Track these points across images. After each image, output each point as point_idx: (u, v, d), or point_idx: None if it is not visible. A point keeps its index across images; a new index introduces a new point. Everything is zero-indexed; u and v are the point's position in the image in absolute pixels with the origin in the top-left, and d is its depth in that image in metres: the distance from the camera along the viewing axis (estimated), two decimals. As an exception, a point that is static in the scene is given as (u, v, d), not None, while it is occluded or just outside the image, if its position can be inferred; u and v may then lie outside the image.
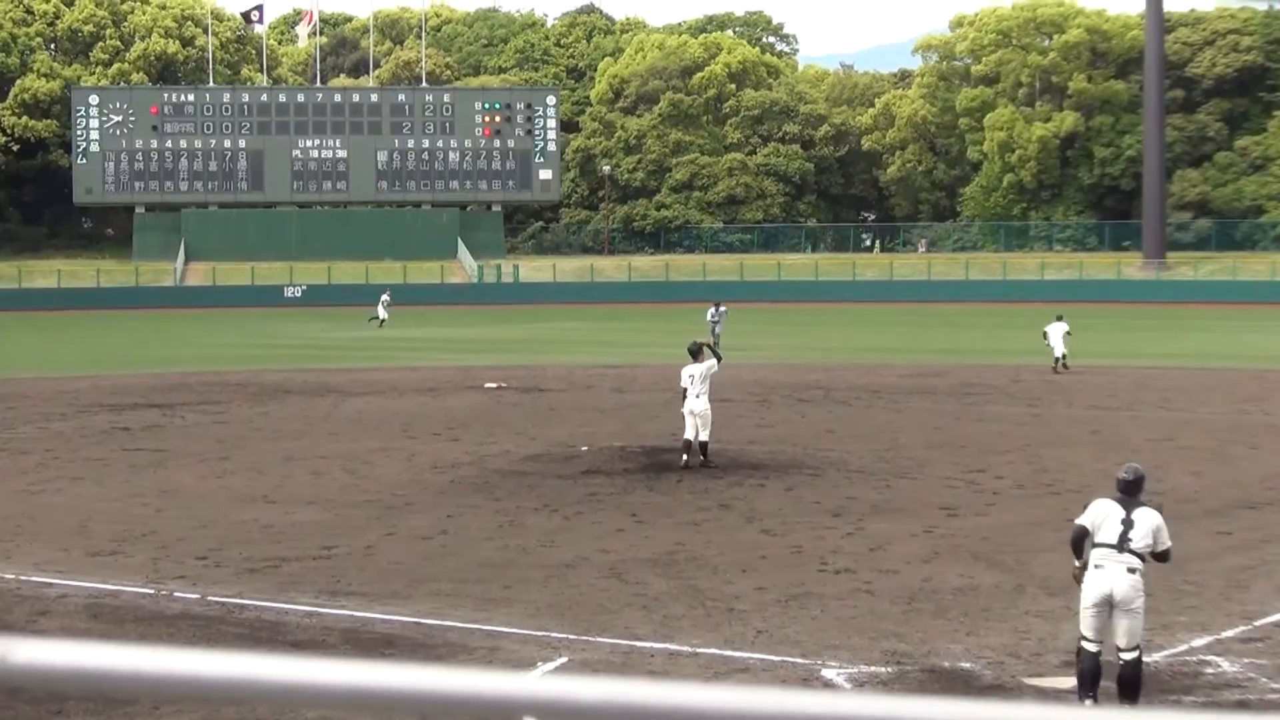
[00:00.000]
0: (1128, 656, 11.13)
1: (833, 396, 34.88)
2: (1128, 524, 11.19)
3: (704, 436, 23.61)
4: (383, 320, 66.18)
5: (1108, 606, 11.10)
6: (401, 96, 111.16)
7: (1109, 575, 11.10)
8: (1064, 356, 41.37)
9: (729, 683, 11.97)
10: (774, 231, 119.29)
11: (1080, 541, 11.49)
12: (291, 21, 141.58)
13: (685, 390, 23.86)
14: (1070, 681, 12.08)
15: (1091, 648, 11.14)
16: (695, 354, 24.13)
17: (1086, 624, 11.17)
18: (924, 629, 13.69)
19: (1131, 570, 11.12)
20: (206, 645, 13.21)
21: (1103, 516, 11.30)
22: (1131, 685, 11.12)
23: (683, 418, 23.96)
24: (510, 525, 18.91)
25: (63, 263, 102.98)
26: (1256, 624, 13.91)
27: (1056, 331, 41.92)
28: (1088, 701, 11.13)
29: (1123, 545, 11.13)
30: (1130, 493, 11.48)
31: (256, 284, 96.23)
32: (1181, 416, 30.83)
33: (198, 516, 19.66)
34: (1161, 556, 11.39)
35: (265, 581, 15.79)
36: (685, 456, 23.61)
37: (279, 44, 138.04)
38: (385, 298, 69.57)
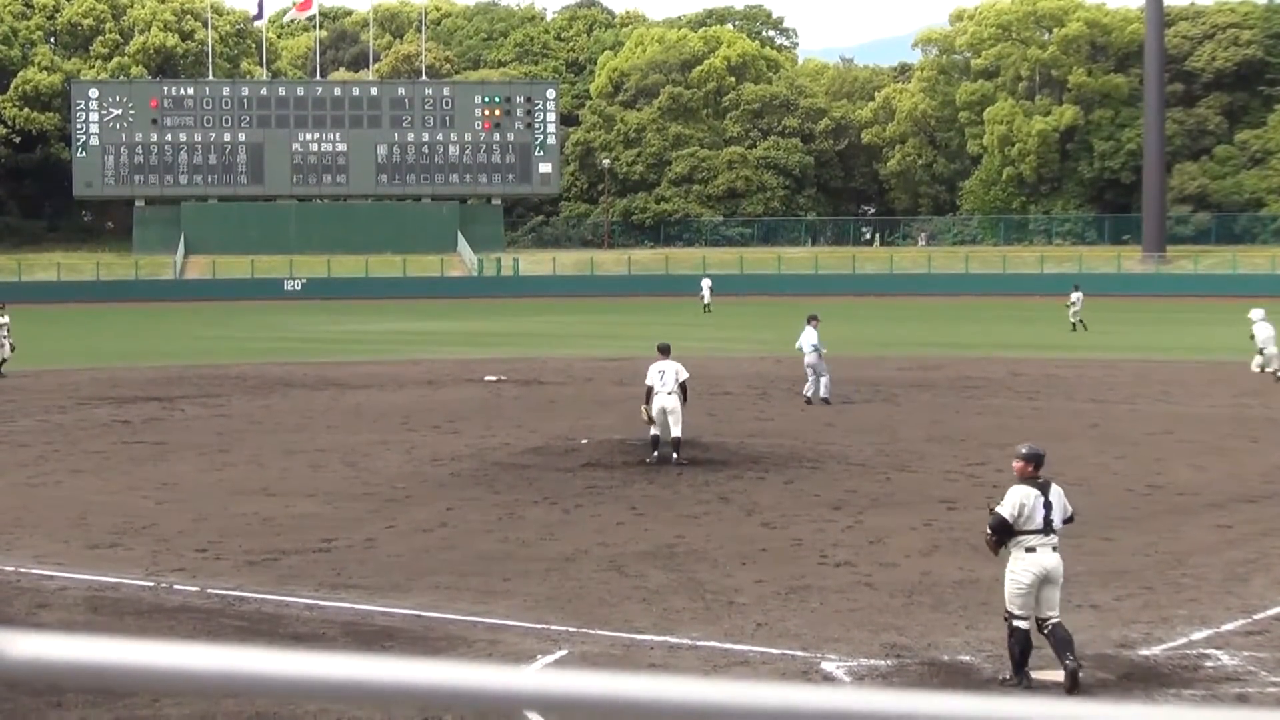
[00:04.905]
0: (1056, 619, 11.87)
1: (832, 390, 34.83)
2: (1048, 507, 11.96)
3: (676, 433, 23.40)
4: (708, 305, 72.56)
5: (1042, 582, 11.87)
6: (401, 90, 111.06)
7: (1041, 557, 11.91)
8: (1082, 322, 53.24)
9: (728, 676, 11.99)
10: (774, 225, 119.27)
11: (1005, 528, 12.07)
12: (289, 18, 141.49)
13: (651, 388, 23.68)
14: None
15: (1025, 625, 11.81)
16: (665, 352, 24.10)
17: (1022, 603, 11.83)
18: (924, 622, 13.71)
19: (1056, 548, 12.01)
20: (206, 638, 13.22)
21: (1030, 506, 11.96)
22: (1066, 639, 11.79)
23: (651, 415, 23.80)
24: (510, 518, 18.92)
25: (62, 256, 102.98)
26: (1256, 617, 13.92)
27: (1078, 299, 53.50)
28: (1026, 671, 11.83)
29: (1048, 529, 11.95)
30: (1039, 469, 12.23)
31: (256, 277, 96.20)
32: (1181, 410, 30.82)
33: (197, 509, 19.67)
34: (1068, 519, 12.29)
35: (265, 574, 15.80)
36: (655, 452, 23.48)
37: (279, 38, 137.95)
38: (709, 283, 75.96)
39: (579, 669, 11.37)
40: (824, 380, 32.07)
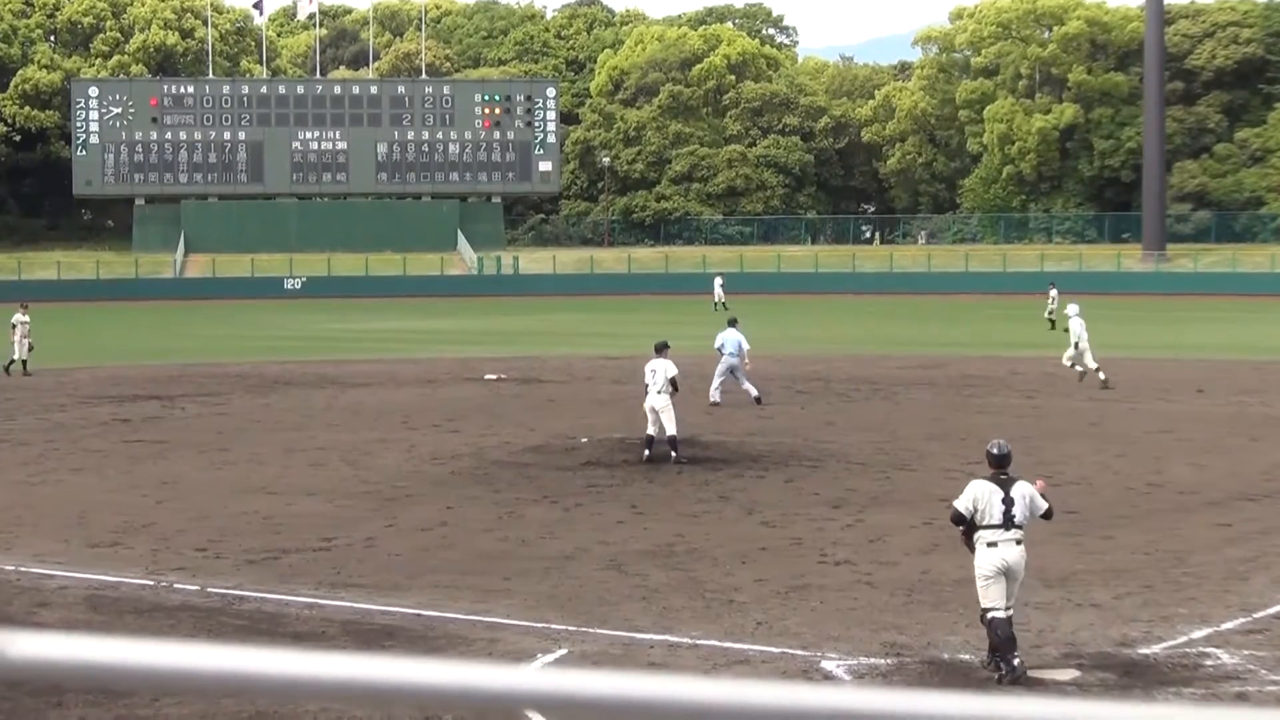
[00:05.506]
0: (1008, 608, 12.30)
1: (832, 388, 34.86)
2: (1008, 502, 12.26)
3: (671, 431, 23.46)
4: (721, 303, 72.12)
5: (1004, 575, 12.10)
6: (401, 88, 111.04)
7: (1003, 551, 12.14)
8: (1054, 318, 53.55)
9: (728, 674, 12.00)
10: (774, 223, 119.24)
11: (961, 521, 12.38)
12: (290, 13, 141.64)
13: (648, 386, 23.74)
14: (1072, 674, 12.12)
15: (1002, 614, 12.02)
16: (659, 350, 24.13)
17: (992, 595, 12.07)
18: (923, 621, 13.71)
19: (1019, 542, 12.25)
20: (206, 637, 13.22)
21: (985, 500, 12.24)
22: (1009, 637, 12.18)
23: (645, 414, 23.84)
24: (510, 517, 18.93)
25: (62, 255, 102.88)
26: (1256, 616, 13.92)
27: (1055, 298, 54.45)
28: (1016, 661, 11.89)
29: (1009, 524, 12.15)
30: (1003, 467, 12.50)
31: (256, 276, 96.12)
32: (1181, 408, 30.82)
33: (198, 508, 19.68)
34: (1046, 515, 12.58)
35: (265, 573, 15.80)
36: (647, 451, 23.50)
37: (278, 36, 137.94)
38: (721, 281, 76.43)
39: (579, 668, 11.37)
40: (719, 382, 31.12)
